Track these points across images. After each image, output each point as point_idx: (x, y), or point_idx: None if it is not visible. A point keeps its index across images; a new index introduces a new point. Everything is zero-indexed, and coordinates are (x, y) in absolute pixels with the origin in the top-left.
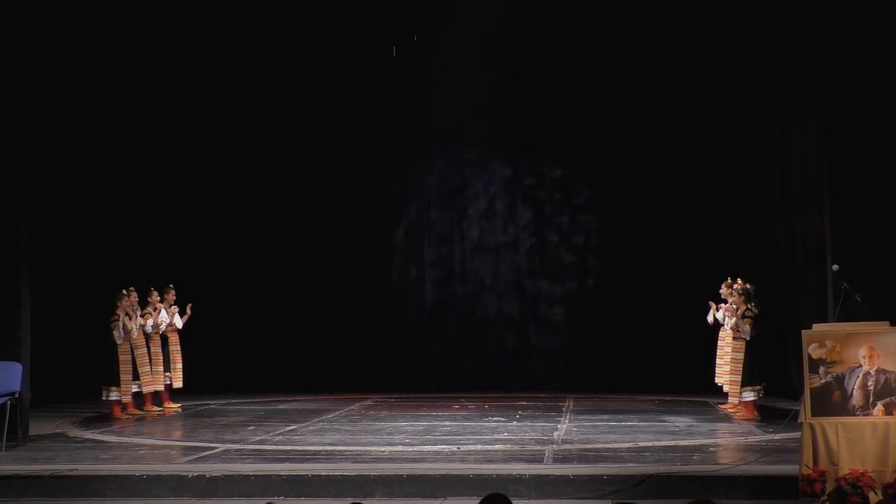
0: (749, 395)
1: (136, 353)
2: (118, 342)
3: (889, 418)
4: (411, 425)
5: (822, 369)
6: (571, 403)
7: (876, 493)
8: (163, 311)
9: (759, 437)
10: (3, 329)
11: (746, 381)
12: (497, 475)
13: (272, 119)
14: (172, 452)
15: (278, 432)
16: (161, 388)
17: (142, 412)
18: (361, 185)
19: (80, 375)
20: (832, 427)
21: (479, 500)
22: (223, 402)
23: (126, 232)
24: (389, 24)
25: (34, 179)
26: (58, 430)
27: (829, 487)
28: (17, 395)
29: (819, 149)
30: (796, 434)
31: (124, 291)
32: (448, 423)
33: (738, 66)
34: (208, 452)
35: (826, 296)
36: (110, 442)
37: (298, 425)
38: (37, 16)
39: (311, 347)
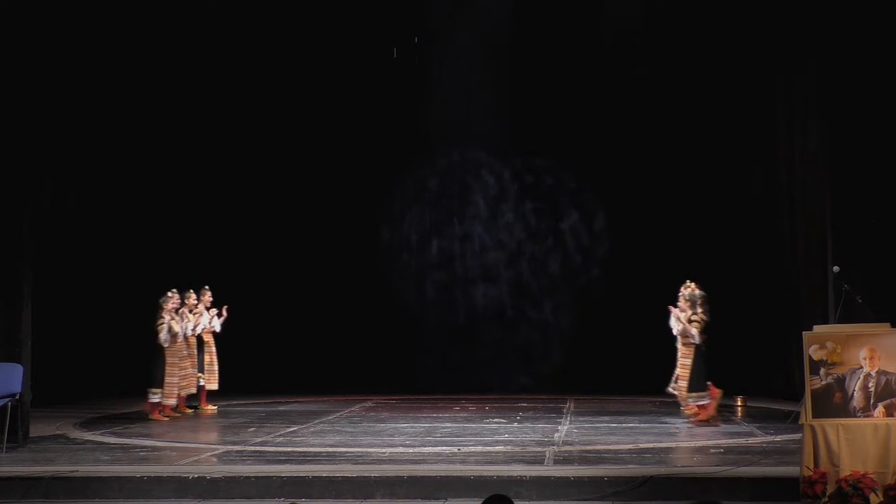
0: (695, 401)
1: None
2: (164, 345)
3: (890, 420)
4: (412, 427)
5: (822, 371)
6: (572, 405)
7: (877, 495)
8: (205, 313)
9: (760, 438)
10: (3, 331)
11: (694, 387)
12: (498, 477)
13: (273, 121)
14: (173, 454)
15: (279, 434)
16: (194, 390)
17: (177, 414)
18: (362, 187)
19: (81, 377)
20: (833, 428)
21: (480, 502)
22: (224, 403)
23: (127, 234)
24: (390, 26)
25: (36, 182)
26: (58, 432)
27: (831, 489)
28: (17, 397)
29: (821, 151)
30: (797, 436)
31: (170, 293)
32: (449, 425)
33: (742, 68)
34: (209, 454)
35: (827, 297)
36: (111, 443)
37: (299, 427)
38: (38, 20)
39: (311, 349)
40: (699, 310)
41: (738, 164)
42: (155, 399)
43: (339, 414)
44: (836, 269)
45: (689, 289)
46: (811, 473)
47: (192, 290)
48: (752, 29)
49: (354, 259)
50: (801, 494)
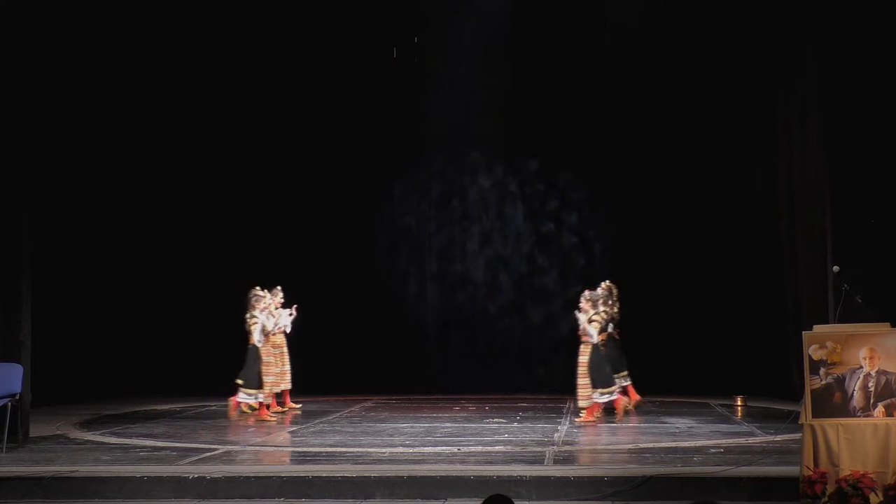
0: (599, 397)
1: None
2: (259, 344)
3: (890, 420)
4: (412, 427)
5: (822, 370)
6: (572, 405)
7: (877, 495)
8: (282, 312)
9: (760, 438)
10: (3, 331)
11: (597, 383)
12: (498, 476)
13: (271, 121)
14: (173, 454)
15: (279, 433)
16: (289, 386)
17: (282, 411)
18: (362, 187)
19: (81, 377)
20: (833, 428)
21: (480, 502)
22: (223, 403)
23: (126, 234)
24: (390, 26)
25: (36, 182)
26: (58, 432)
27: (830, 489)
28: (17, 397)
29: (820, 150)
30: (797, 435)
31: (262, 292)
32: (448, 425)
33: (741, 67)
34: (209, 454)
35: (827, 297)
36: (111, 443)
37: (299, 426)
38: (38, 18)
39: (311, 349)
40: (600, 309)
41: (738, 165)
42: (249, 399)
43: (339, 414)
44: (836, 269)
45: (600, 288)
46: (811, 473)
47: (267, 290)
48: (752, 29)
49: (353, 259)
50: (801, 494)
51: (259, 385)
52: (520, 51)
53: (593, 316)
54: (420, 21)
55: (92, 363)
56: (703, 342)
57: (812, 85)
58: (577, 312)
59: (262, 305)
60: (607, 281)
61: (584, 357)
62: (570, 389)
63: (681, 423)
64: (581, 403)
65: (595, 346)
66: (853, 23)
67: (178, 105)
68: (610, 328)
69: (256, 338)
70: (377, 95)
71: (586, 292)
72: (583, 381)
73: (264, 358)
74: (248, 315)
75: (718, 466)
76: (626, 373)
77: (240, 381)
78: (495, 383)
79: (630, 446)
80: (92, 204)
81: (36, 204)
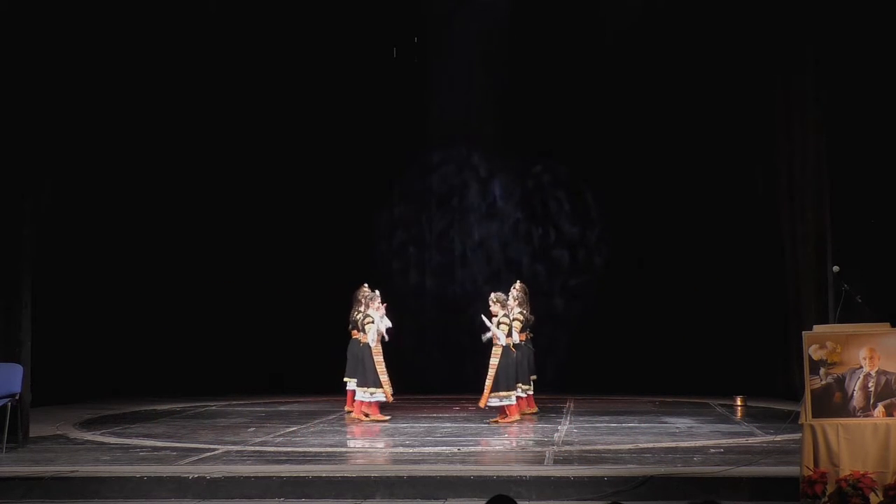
0: (495, 401)
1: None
2: (372, 344)
3: (890, 420)
4: (412, 427)
5: (822, 370)
6: (572, 405)
7: (877, 495)
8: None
9: (760, 438)
10: (3, 331)
11: (498, 387)
12: (497, 476)
13: (271, 121)
14: (173, 454)
15: (279, 434)
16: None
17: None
18: (361, 186)
19: (81, 377)
20: (833, 428)
21: (481, 502)
22: (223, 403)
23: (126, 234)
24: (390, 26)
25: (36, 181)
26: (58, 432)
27: (830, 489)
28: (17, 397)
29: (821, 150)
30: (797, 435)
31: (374, 291)
32: (448, 425)
33: (741, 67)
34: (209, 454)
35: (827, 297)
36: (111, 443)
37: (299, 427)
38: (39, 19)
39: (311, 348)
40: (517, 311)
41: (738, 165)
42: (369, 398)
43: (339, 414)
44: (836, 269)
45: (513, 290)
46: (811, 473)
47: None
48: (752, 29)
49: (353, 259)
50: (801, 494)
51: (378, 383)
52: (519, 51)
53: (501, 318)
54: (420, 21)
55: (92, 363)
56: (703, 342)
57: (812, 85)
58: (482, 316)
59: (376, 305)
60: (519, 282)
61: (494, 359)
62: (569, 389)
63: (681, 423)
64: (490, 403)
65: (506, 349)
66: (853, 23)
67: (175, 104)
68: (526, 330)
69: (371, 338)
70: (377, 95)
71: (492, 294)
72: (488, 381)
73: (376, 357)
74: (358, 314)
75: (718, 466)
76: (534, 377)
77: (354, 381)
78: None
79: (630, 446)
80: (92, 204)
81: (36, 204)
